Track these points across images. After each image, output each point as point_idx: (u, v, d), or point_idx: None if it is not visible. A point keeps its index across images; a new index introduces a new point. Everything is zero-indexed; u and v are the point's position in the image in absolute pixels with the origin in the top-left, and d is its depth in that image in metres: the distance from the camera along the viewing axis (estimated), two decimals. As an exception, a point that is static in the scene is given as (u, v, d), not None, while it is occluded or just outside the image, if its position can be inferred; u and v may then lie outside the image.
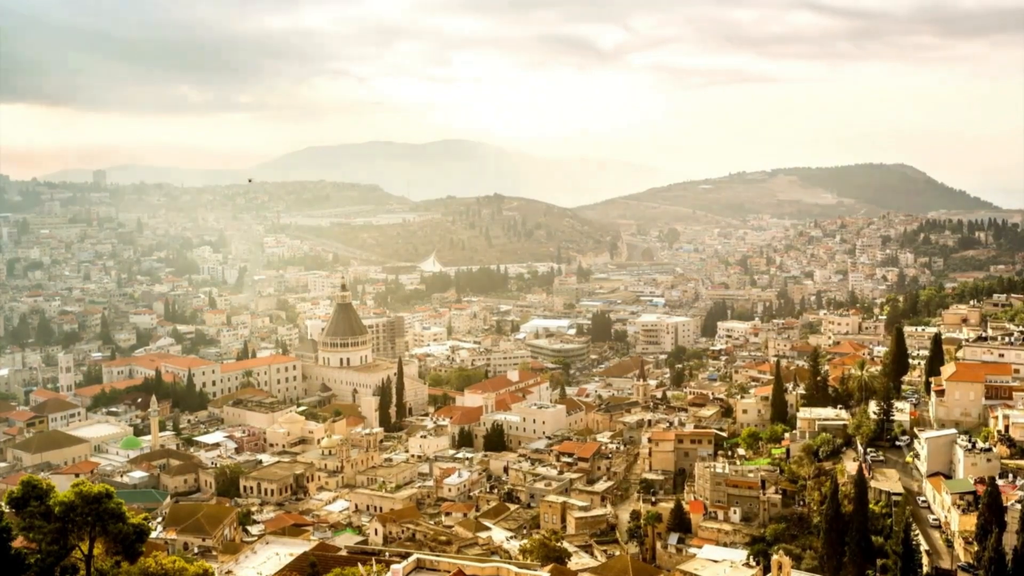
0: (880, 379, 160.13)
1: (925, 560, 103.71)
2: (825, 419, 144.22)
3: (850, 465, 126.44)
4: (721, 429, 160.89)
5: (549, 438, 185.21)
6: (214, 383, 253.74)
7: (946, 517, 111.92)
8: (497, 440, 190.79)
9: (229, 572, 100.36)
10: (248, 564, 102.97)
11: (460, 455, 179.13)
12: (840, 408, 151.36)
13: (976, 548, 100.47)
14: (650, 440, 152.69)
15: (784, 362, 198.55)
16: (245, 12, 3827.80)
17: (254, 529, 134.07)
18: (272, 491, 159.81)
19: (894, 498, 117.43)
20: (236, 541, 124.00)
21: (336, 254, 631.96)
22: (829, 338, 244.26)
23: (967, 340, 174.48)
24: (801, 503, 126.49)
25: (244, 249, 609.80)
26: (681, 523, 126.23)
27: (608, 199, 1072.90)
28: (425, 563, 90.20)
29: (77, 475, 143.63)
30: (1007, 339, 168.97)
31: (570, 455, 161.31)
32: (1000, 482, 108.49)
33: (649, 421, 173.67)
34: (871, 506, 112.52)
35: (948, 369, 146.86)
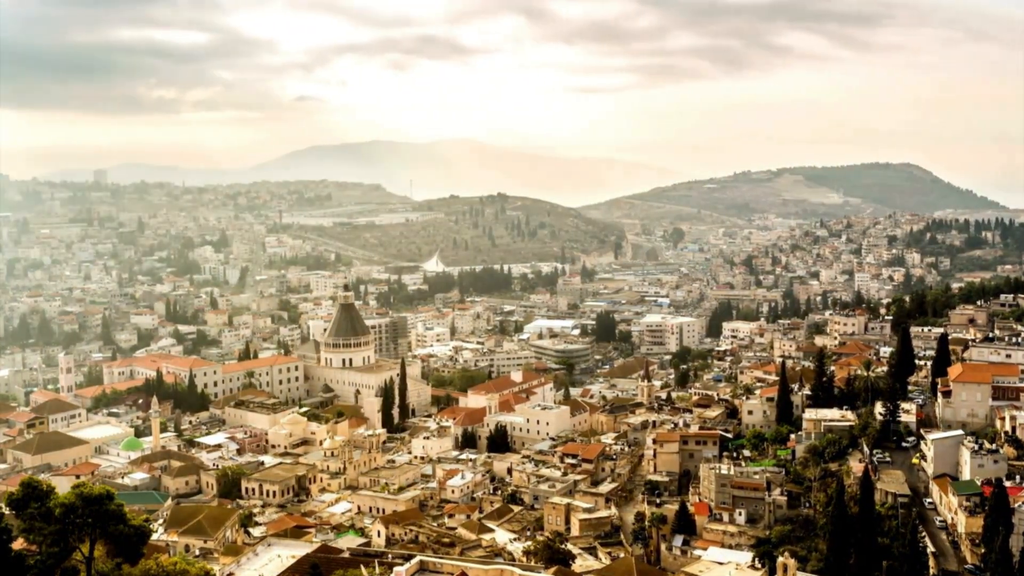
0: (886, 380, 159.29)
1: (932, 562, 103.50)
2: (831, 420, 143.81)
3: (856, 466, 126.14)
4: (726, 430, 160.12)
5: (553, 439, 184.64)
6: (215, 384, 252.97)
7: (953, 519, 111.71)
8: (501, 441, 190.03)
9: (231, 574, 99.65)
10: (250, 566, 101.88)
11: (463, 456, 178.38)
12: (846, 409, 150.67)
13: (983, 550, 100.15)
14: (655, 441, 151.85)
15: (789, 363, 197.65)
16: (96, 23, 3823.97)
17: (256, 531, 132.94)
18: (274, 493, 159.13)
19: (900, 500, 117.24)
20: (238, 543, 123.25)
21: (338, 254, 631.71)
22: (835, 338, 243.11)
23: (974, 340, 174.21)
24: (807, 505, 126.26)
25: (246, 249, 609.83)
26: (686, 525, 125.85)
27: (612, 198, 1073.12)
28: (428, 565, 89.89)
29: (78, 476, 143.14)
30: (1014, 339, 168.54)
31: (574, 456, 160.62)
32: (1007, 483, 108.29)
33: (654, 422, 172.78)
34: (877, 508, 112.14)
35: (955, 370, 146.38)
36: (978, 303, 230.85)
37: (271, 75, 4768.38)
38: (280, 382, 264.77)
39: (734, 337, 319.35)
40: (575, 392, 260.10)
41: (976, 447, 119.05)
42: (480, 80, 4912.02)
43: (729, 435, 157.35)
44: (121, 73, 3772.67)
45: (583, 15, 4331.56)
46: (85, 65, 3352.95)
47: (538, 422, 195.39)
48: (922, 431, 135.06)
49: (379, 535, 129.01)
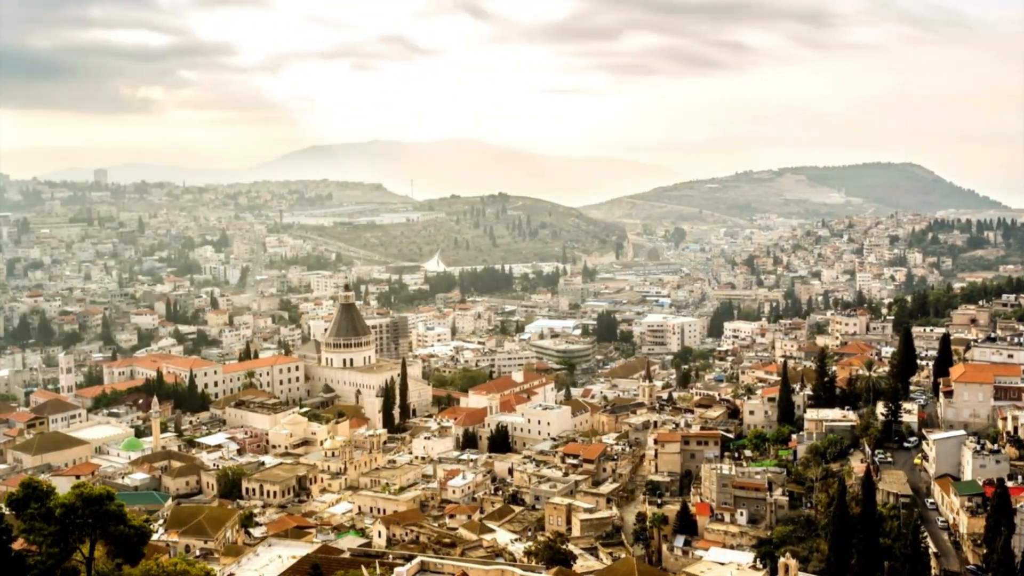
0: (888, 380, 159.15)
1: (933, 562, 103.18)
2: (832, 420, 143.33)
3: (857, 467, 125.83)
4: (728, 430, 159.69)
5: (554, 439, 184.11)
6: (216, 384, 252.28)
7: (954, 519, 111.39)
8: (502, 442, 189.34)
9: (231, 574, 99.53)
10: (250, 566, 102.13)
11: (464, 457, 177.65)
12: (847, 409, 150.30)
13: (985, 550, 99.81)
14: (656, 441, 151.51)
15: (791, 363, 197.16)
16: (36, 23, 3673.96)
17: (256, 531, 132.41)
18: (274, 493, 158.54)
19: (902, 500, 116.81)
20: (238, 543, 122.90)
21: (339, 254, 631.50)
22: (836, 339, 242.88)
23: (976, 341, 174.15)
24: (808, 505, 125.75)
25: (246, 249, 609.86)
26: (687, 525, 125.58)
27: (613, 198, 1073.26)
28: (429, 566, 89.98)
29: (78, 477, 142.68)
30: (1016, 340, 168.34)
31: (575, 456, 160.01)
32: (1009, 484, 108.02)
33: (655, 422, 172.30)
34: (879, 508, 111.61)
35: (957, 370, 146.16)
36: (980, 303, 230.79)
37: (238, 77, 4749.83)
38: (281, 382, 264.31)
39: (735, 337, 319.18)
40: (576, 392, 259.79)
41: (978, 447, 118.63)
42: (450, 81, 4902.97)
43: (730, 435, 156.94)
44: (88, 74, 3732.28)
45: (535, 15, 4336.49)
46: (49, 67, 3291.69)
47: (539, 422, 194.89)
48: (924, 431, 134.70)
49: (380, 535, 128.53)
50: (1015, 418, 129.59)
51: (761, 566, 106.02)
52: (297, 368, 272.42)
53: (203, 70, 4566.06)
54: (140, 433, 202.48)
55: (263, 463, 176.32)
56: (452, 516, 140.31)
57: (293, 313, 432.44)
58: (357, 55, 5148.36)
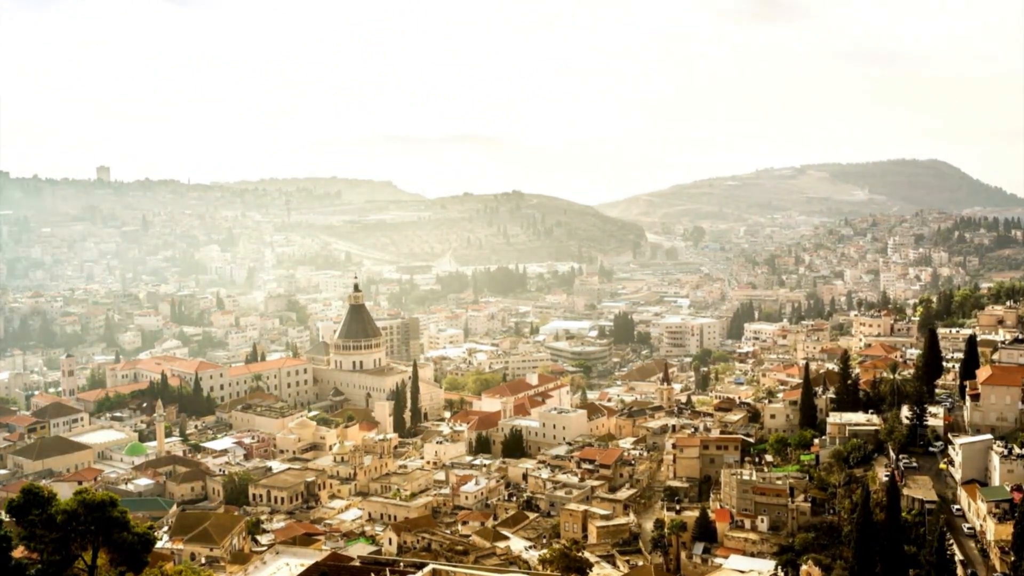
0: (913, 383, 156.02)
1: (960, 571, 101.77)
2: (856, 424, 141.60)
3: (882, 472, 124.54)
4: (748, 435, 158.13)
5: (570, 444, 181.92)
6: (222, 387, 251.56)
7: (981, 526, 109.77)
8: (516, 446, 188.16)
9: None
10: (257, 575, 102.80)
11: (477, 462, 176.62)
12: (871, 413, 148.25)
13: (1012, 558, 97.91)
14: (674, 446, 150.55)
15: (813, 365, 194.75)
16: None
17: (263, 539, 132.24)
18: (282, 499, 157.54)
19: (927, 506, 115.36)
20: (245, 551, 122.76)
21: (348, 253, 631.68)
22: (860, 340, 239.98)
23: (1003, 342, 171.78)
24: (831, 511, 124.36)
25: (253, 248, 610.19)
26: (706, 532, 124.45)
27: (631, 196, 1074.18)
28: (441, 573, 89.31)
29: (80, 482, 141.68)
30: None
31: (591, 462, 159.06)
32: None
33: (673, 426, 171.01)
34: (903, 514, 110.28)
35: (983, 372, 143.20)
36: (1007, 303, 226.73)
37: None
38: (288, 385, 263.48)
39: (756, 339, 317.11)
40: (592, 395, 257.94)
41: (1005, 451, 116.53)
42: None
43: (751, 439, 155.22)
44: None
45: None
46: None
47: (554, 426, 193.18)
48: (950, 435, 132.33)
49: (390, 543, 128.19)
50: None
51: (783, 574, 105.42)
52: (305, 371, 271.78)
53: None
54: (144, 437, 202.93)
55: (270, 468, 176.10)
56: (465, 523, 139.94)
57: (301, 314, 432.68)
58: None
